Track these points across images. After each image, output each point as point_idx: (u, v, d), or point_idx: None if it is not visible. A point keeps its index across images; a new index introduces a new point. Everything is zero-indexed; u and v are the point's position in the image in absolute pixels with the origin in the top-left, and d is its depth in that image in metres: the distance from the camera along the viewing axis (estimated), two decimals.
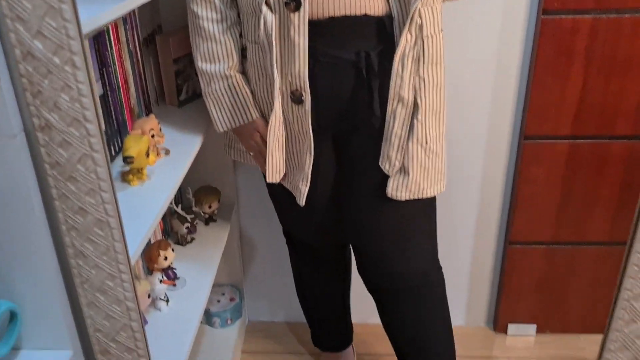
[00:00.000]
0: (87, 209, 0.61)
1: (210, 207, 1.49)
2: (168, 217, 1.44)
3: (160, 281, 1.24)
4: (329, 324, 1.58)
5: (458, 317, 1.79)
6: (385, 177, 1.11)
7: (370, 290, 1.31)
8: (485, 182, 1.59)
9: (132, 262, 0.80)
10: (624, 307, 0.64)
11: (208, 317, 1.64)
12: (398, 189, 1.11)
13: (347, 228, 1.24)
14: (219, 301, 1.66)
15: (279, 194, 1.29)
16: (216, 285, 1.71)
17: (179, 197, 1.51)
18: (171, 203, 1.42)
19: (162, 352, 1.13)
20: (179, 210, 1.39)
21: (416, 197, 1.12)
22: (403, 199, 1.12)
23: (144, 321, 1.20)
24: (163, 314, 1.24)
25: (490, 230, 1.65)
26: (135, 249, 0.86)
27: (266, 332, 1.79)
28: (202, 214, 1.50)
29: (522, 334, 1.74)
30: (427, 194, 1.14)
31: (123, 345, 0.69)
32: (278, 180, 1.15)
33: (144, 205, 0.99)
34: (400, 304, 1.26)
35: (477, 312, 1.78)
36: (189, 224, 1.40)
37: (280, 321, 1.82)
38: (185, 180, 1.53)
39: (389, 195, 1.11)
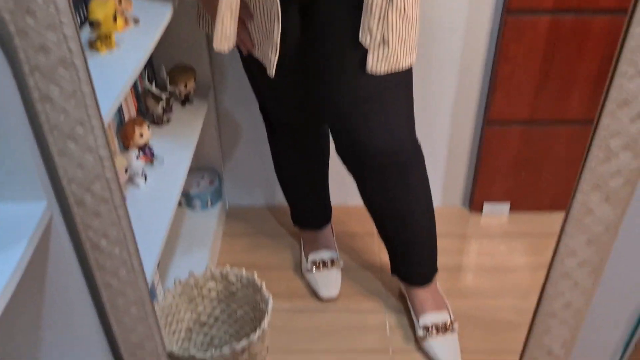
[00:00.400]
0: (49, 47, 0.58)
1: (185, 86, 1.45)
2: (143, 97, 1.40)
3: (137, 157, 1.23)
4: (307, 203, 1.60)
5: (435, 198, 1.79)
6: (358, 51, 1.08)
7: (350, 169, 1.31)
8: (464, 62, 1.57)
9: (106, 113, 0.78)
10: (599, 146, 0.64)
11: (188, 200, 1.65)
12: (378, 63, 1.09)
13: (322, 106, 1.22)
14: (198, 184, 1.67)
15: (252, 67, 1.26)
16: (195, 169, 1.71)
17: (153, 76, 1.46)
18: (145, 81, 1.38)
19: (142, 228, 1.14)
20: (153, 89, 1.36)
21: (394, 70, 1.10)
22: (382, 72, 1.10)
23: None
24: (141, 191, 1.24)
25: (469, 110, 1.65)
26: (106, 112, 0.84)
27: (247, 215, 1.81)
28: (178, 94, 1.46)
29: (496, 213, 1.79)
30: (403, 65, 1.12)
31: (98, 195, 0.69)
32: (225, 49, 1.10)
33: (114, 73, 0.96)
34: (380, 180, 1.27)
35: (454, 192, 1.81)
36: (163, 103, 1.37)
37: (260, 204, 1.84)
38: (159, 59, 1.48)
39: (369, 70, 1.09)
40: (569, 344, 0.82)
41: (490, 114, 1.60)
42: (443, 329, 1.39)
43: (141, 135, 1.24)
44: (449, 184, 1.79)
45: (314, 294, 1.56)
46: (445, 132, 1.69)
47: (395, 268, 1.46)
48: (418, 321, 1.42)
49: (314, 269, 1.57)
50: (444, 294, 1.48)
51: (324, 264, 1.57)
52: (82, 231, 0.72)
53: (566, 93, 1.56)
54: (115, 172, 0.68)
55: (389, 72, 1.10)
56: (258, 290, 1.09)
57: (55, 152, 0.65)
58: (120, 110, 1.27)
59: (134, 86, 1.36)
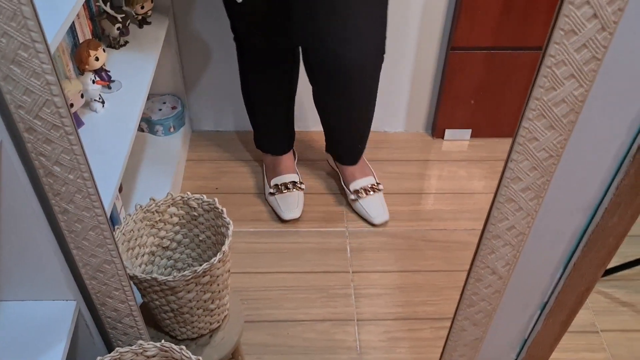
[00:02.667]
0: None
1: (142, 7, 1.40)
2: (98, 18, 1.35)
3: (93, 81, 1.20)
4: (273, 127, 1.61)
5: (398, 124, 1.84)
6: None
7: (316, 79, 1.40)
8: None
9: (54, 36, 0.76)
10: (545, 75, 0.65)
11: (150, 126, 1.63)
12: None
13: (300, 20, 1.26)
14: (160, 110, 1.65)
15: None
16: (157, 94, 1.68)
17: None
18: (100, 1, 1.33)
19: (101, 153, 1.13)
20: (107, 9, 1.31)
21: None
22: None
23: (79, 122, 1.19)
24: (99, 115, 1.23)
25: (434, 35, 1.64)
26: (53, 35, 0.82)
27: (210, 141, 1.81)
28: (135, 15, 1.42)
29: (457, 138, 1.82)
30: None
31: (48, 122, 0.68)
32: None
33: None
34: (343, 87, 1.37)
35: (417, 119, 1.83)
36: (120, 25, 1.33)
37: (224, 130, 1.84)
38: None
39: None
40: (512, 264, 0.87)
41: (455, 40, 1.60)
42: (371, 189, 1.60)
43: (97, 59, 1.21)
44: (413, 110, 1.81)
45: (277, 217, 1.59)
46: (410, 59, 1.68)
47: (330, 148, 1.64)
48: (349, 188, 1.62)
49: (277, 192, 1.60)
50: (369, 163, 1.68)
51: (286, 186, 1.60)
52: (35, 158, 0.72)
53: (529, 20, 1.56)
54: (65, 98, 0.67)
55: None
56: (219, 215, 1.11)
57: (1, 77, 0.64)
58: (74, 33, 1.22)
59: (88, 7, 1.31)
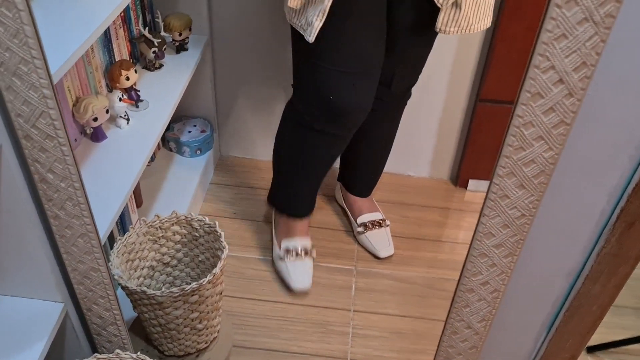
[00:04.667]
0: None
1: (180, 35, 1.48)
2: (137, 41, 1.44)
3: (120, 99, 1.27)
4: (300, 191, 1.50)
5: (423, 169, 1.84)
6: (426, 11, 1.13)
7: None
8: (462, 39, 1.56)
9: (68, 58, 0.82)
10: (513, 134, 0.66)
11: (178, 146, 1.70)
12: (448, 24, 1.12)
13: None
14: (189, 132, 1.71)
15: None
16: (189, 117, 1.75)
17: (149, 22, 1.50)
18: (140, 26, 1.41)
19: (118, 166, 1.19)
20: (146, 33, 1.39)
21: (464, 33, 1.14)
22: (451, 34, 1.13)
23: (102, 135, 1.25)
24: (123, 131, 1.29)
25: (463, 86, 1.64)
26: (70, 54, 0.88)
27: (236, 167, 1.86)
28: (173, 42, 1.50)
29: (480, 189, 1.80)
30: (475, 29, 1.15)
31: (43, 131, 0.73)
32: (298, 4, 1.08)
33: (89, 15, 0.99)
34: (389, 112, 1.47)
35: (441, 166, 1.82)
36: (156, 49, 1.41)
37: (250, 157, 1.89)
38: (157, 5, 1.51)
39: (438, 30, 1.13)
40: (488, 321, 0.86)
41: (483, 93, 1.60)
42: (378, 224, 1.62)
43: (127, 79, 1.29)
44: (438, 157, 1.81)
45: (286, 286, 1.51)
46: (438, 107, 1.70)
47: (343, 177, 1.69)
48: (356, 221, 1.64)
49: (287, 257, 1.50)
50: (388, 204, 1.74)
51: (297, 253, 1.50)
52: (31, 164, 0.77)
53: None
54: (60, 111, 0.72)
55: (458, 34, 1.13)
56: (218, 238, 1.14)
57: (3, 87, 0.70)
58: (110, 52, 1.31)
59: (129, 30, 1.40)
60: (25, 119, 0.72)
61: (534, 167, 0.68)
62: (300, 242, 1.51)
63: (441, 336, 0.91)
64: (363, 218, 1.63)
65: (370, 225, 1.61)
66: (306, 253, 1.51)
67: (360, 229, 1.62)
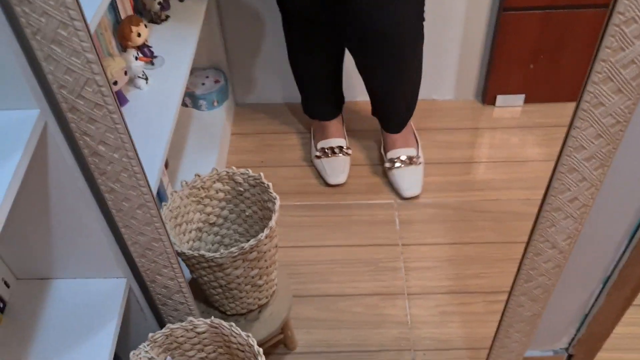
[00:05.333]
0: None
1: None
2: None
3: (136, 58, 1.19)
4: (320, 93, 1.59)
5: (447, 91, 1.78)
6: None
7: (353, 47, 1.37)
8: None
9: (93, 13, 0.75)
10: (612, 34, 0.60)
11: (194, 101, 1.63)
12: None
13: None
14: (203, 84, 1.64)
15: None
16: (199, 69, 1.67)
17: None
18: None
19: (146, 129, 1.13)
20: None
21: None
22: None
23: (123, 99, 1.18)
24: (143, 92, 1.22)
25: None
26: (96, 7, 0.80)
27: (255, 114, 1.79)
28: None
29: (510, 104, 1.74)
30: None
31: (91, 101, 0.67)
32: None
33: None
34: (380, 55, 1.33)
35: (466, 86, 1.76)
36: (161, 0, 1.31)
37: (268, 102, 1.81)
38: None
39: None
40: (573, 238, 0.82)
41: (507, 0, 1.52)
42: (407, 161, 1.55)
43: (139, 35, 1.20)
44: (462, 77, 1.74)
45: (323, 182, 1.59)
46: (459, 22, 1.61)
47: (375, 112, 1.59)
48: (386, 155, 1.58)
49: (323, 155, 1.59)
50: (418, 133, 1.64)
51: (333, 151, 1.59)
52: (79, 138, 0.71)
53: None
54: (106, 76, 0.65)
55: None
56: (265, 189, 1.09)
57: (42, 57, 0.63)
58: (115, 10, 1.21)
59: None
60: (70, 90, 0.66)
61: (633, 67, 0.62)
62: (334, 141, 1.60)
63: (522, 259, 0.88)
64: (393, 153, 1.57)
65: (399, 162, 1.55)
66: (340, 150, 1.59)
67: (388, 164, 1.57)
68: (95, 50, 0.63)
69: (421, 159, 1.57)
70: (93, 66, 0.64)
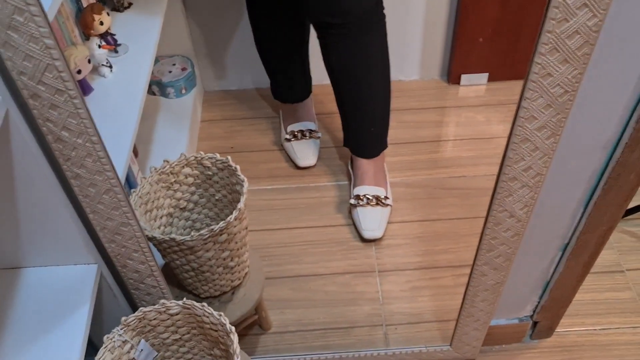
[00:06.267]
0: None
1: None
2: None
3: (99, 46, 1.19)
4: (288, 75, 1.59)
5: (412, 72, 1.80)
6: None
7: (316, 28, 1.33)
8: None
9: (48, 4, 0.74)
10: (556, 6, 0.62)
11: (162, 89, 1.63)
12: None
13: None
14: (170, 72, 1.63)
15: None
16: (166, 56, 1.67)
17: None
18: None
19: (113, 117, 1.13)
20: None
21: None
22: None
23: (88, 88, 1.18)
24: (108, 80, 1.22)
25: None
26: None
27: (223, 100, 1.80)
28: None
29: (474, 83, 1.78)
30: None
31: (51, 86, 0.67)
32: None
33: None
34: (341, 38, 1.29)
35: (431, 66, 1.79)
36: None
37: (236, 89, 1.82)
38: None
39: None
40: (530, 206, 0.85)
41: None
42: (374, 201, 1.43)
43: (101, 23, 1.20)
44: (427, 57, 1.76)
45: (293, 165, 1.61)
46: (420, 3, 1.63)
47: (347, 139, 1.50)
48: (353, 191, 1.48)
49: (293, 138, 1.60)
50: (388, 170, 1.55)
51: (303, 134, 1.61)
52: (42, 125, 0.72)
53: None
54: (66, 62, 0.66)
55: None
56: (233, 172, 1.11)
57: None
58: None
59: None
60: (30, 76, 0.66)
61: (577, 38, 0.65)
62: (304, 125, 1.62)
63: (483, 229, 0.91)
64: (360, 190, 1.45)
65: (364, 201, 1.43)
66: (310, 133, 1.61)
67: (353, 201, 1.45)
68: (54, 35, 0.63)
69: (389, 201, 1.46)
70: (52, 52, 0.64)
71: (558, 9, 0.63)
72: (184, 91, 1.64)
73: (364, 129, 1.45)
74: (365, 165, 1.48)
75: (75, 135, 0.73)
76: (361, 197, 1.44)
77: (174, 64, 1.65)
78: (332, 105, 1.72)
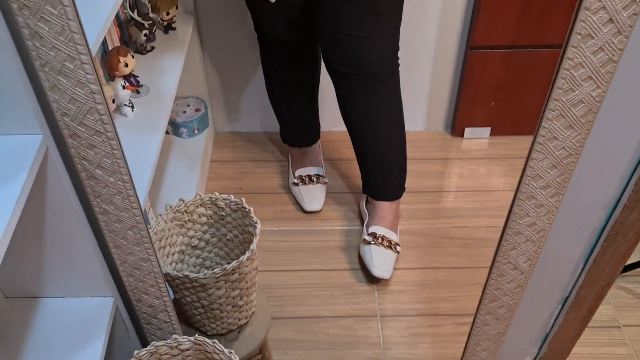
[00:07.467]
0: None
1: (168, 13, 1.45)
2: (126, 25, 1.40)
3: (123, 87, 1.25)
4: (297, 120, 1.65)
5: (418, 124, 1.87)
6: None
7: (334, 78, 1.38)
8: None
9: (91, 46, 0.80)
10: (564, 77, 0.68)
11: (175, 128, 1.68)
12: None
13: (319, 16, 1.28)
14: (184, 112, 1.69)
15: None
16: (181, 98, 1.73)
17: (135, 4, 1.45)
18: (127, 9, 1.37)
19: (132, 156, 1.17)
20: (135, 16, 1.35)
21: None
22: None
23: None
24: (129, 119, 1.27)
25: (452, 35, 1.66)
26: (92, 44, 0.86)
27: (233, 142, 1.85)
28: (161, 22, 1.46)
29: (477, 136, 1.84)
30: None
31: (91, 128, 0.72)
32: None
33: (96, 4, 0.96)
34: (359, 88, 1.35)
35: (436, 118, 1.85)
36: (147, 31, 1.37)
37: (246, 131, 1.88)
38: None
39: None
40: (533, 260, 0.89)
41: (474, 40, 1.62)
42: (387, 244, 1.48)
43: (126, 65, 1.26)
44: (432, 109, 1.83)
45: (300, 209, 1.65)
46: (429, 58, 1.71)
47: (366, 186, 1.54)
48: (368, 229, 1.51)
49: (300, 183, 1.66)
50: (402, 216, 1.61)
51: (310, 179, 1.66)
52: (78, 162, 0.76)
53: (547, 18, 1.57)
54: (107, 105, 0.71)
55: None
56: (247, 214, 1.14)
57: (48, 87, 0.68)
58: (103, 40, 1.27)
59: (116, 15, 1.36)
60: (72, 118, 0.71)
61: (582, 106, 0.71)
62: (311, 170, 1.67)
63: (487, 280, 0.95)
64: (377, 229, 1.49)
65: (379, 239, 1.47)
66: (318, 178, 1.66)
67: (367, 238, 1.48)
68: (99, 81, 0.68)
69: (399, 248, 1.50)
70: (96, 96, 0.69)
71: (565, 79, 0.68)
72: (196, 131, 1.69)
73: (383, 175, 1.50)
74: (386, 207, 1.52)
75: (108, 174, 0.78)
76: (377, 236, 1.48)
77: (188, 105, 1.71)
78: (340, 151, 1.78)
